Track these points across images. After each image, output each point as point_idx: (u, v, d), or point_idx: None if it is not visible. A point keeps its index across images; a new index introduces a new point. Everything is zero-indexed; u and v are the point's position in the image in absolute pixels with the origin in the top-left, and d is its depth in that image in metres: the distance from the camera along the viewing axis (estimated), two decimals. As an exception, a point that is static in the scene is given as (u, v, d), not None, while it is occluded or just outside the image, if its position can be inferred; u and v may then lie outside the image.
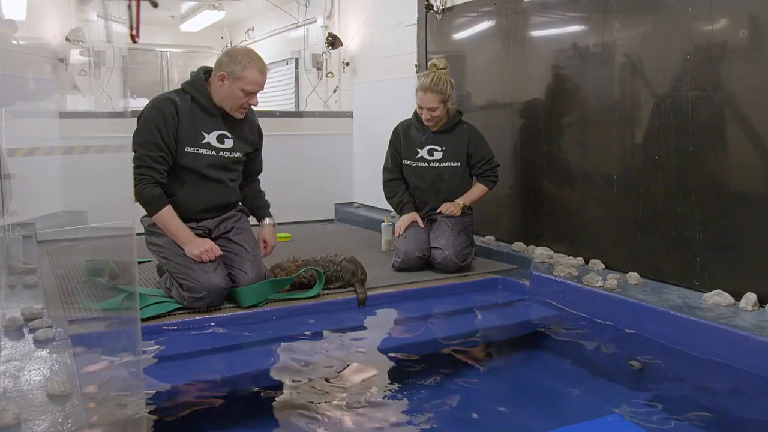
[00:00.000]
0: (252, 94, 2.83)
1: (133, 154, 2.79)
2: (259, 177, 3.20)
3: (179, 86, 2.91)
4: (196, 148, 2.83)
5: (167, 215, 2.76)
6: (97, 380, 2.06)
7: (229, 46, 8.46)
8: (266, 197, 3.19)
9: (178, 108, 2.79)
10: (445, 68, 3.46)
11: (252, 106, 2.91)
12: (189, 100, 2.83)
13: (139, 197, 2.76)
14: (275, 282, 2.91)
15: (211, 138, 2.86)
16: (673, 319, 2.52)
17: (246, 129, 3.00)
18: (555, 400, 2.12)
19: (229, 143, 2.91)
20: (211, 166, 2.87)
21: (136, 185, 2.76)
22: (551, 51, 3.53)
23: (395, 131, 3.67)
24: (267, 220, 3.12)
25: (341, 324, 2.79)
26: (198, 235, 2.85)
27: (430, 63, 3.54)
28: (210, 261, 2.75)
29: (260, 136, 3.10)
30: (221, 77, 2.80)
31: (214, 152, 2.87)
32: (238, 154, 2.96)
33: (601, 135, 3.28)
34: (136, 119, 2.85)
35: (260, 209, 3.13)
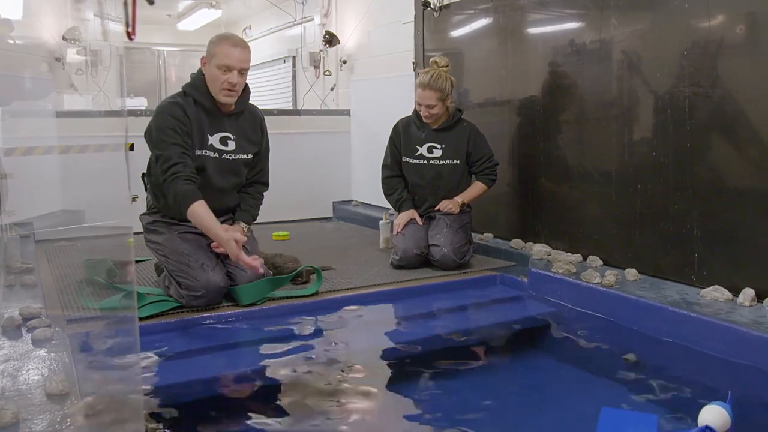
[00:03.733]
0: (229, 70, 2.73)
1: (156, 159, 2.73)
2: (263, 192, 3.10)
3: (180, 88, 2.87)
4: (203, 150, 2.81)
5: (199, 211, 2.66)
6: (95, 383, 2.06)
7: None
8: (262, 201, 3.10)
9: (187, 112, 2.76)
10: (446, 66, 3.46)
11: (236, 90, 2.78)
12: (192, 102, 2.80)
13: (173, 195, 2.68)
14: (274, 280, 2.91)
15: (214, 140, 2.84)
16: (671, 314, 2.53)
17: (249, 128, 2.96)
18: (553, 396, 2.12)
19: (231, 145, 2.87)
20: (215, 170, 2.84)
21: (170, 186, 2.67)
22: (548, 48, 3.53)
23: (395, 128, 3.67)
24: (241, 222, 2.96)
25: (340, 322, 2.79)
26: (197, 234, 2.84)
27: (431, 60, 3.53)
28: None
29: (264, 132, 3.04)
30: (203, 63, 2.81)
31: (216, 154, 2.84)
32: (242, 156, 2.92)
33: (598, 132, 3.29)
34: (144, 135, 2.78)
35: (241, 210, 3.00)
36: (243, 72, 2.80)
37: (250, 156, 2.97)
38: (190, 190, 2.67)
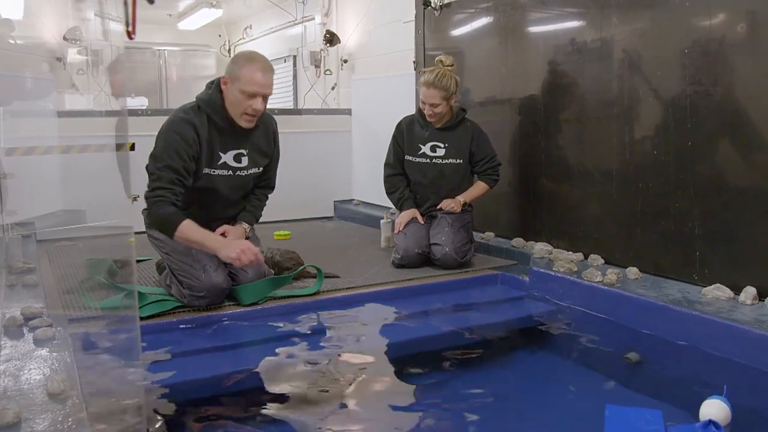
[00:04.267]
0: (254, 96, 2.67)
1: (149, 175, 2.66)
2: (268, 194, 3.10)
3: (195, 101, 2.78)
4: (212, 169, 2.77)
5: (187, 230, 2.58)
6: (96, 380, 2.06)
7: (227, 45, 8.48)
8: (266, 203, 3.09)
9: (199, 133, 2.69)
10: (451, 65, 3.45)
11: (257, 115, 2.73)
12: (206, 120, 2.73)
13: (154, 219, 2.64)
14: (275, 280, 2.91)
15: (227, 158, 2.79)
16: (673, 313, 2.52)
17: (263, 141, 2.92)
18: (555, 395, 2.12)
19: (245, 161, 2.84)
20: (226, 186, 2.82)
21: (150, 208, 2.63)
22: (549, 47, 3.53)
23: (398, 126, 3.66)
24: (243, 223, 2.94)
25: (341, 321, 2.79)
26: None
27: (436, 59, 3.53)
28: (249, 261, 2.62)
29: (276, 141, 3.00)
30: (224, 82, 2.71)
31: (230, 172, 2.81)
32: (254, 171, 2.91)
33: (599, 131, 3.28)
34: (155, 140, 2.72)
35: (245, 211, 2.98)
36: (267, 98, 2.73)
37: (261, 169, 2.95)
38: (171, 213, 2.59)
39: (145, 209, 2.88)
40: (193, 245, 2.64)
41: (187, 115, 2.72)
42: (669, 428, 1.77)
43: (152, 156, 2.70)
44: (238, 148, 2.82)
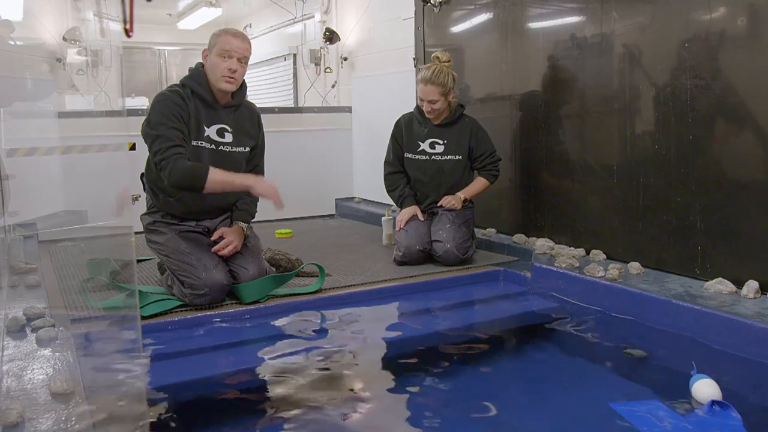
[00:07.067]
0: (230, 57, 2.77)
1: (153, 140, 2.67)
2: None
3: (178, 82, 2.89)
4: (199, 141, 2.81)
5: (216, 176, 2.64)
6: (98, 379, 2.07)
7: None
8: (259, 199, 3.06)
9: (185, 101, 2.78)
10: (448, 61, 3.45)
11: (236, 78, 2.80)
12: (190, 93, 2.82)
13: (180, 175, 2.61)
14: (276, 278, 2.91)
15: (210, 131, 2.84)
16: (675, 307, 2.52)
17: (247, 122, 2.97)
18: (557, 391, 2.12)
19: (228, 137, 2.88)
20: (212, 162, 2.82)
21: (164, 167, 2.62)
22: (549, 42, 3.52)
23: (397, 124, 3.66)
24: (239, 222, 2.95)
25: (343, 319, 2.79)
26: (197, 233, 2.85)
27: (433, 56, 3.53)
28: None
29: (260, 127, 3.05)
30: (204, 55, 2.86)
31: (213, 146, 2.84)
32: (239, 149, 2.93)
33: (600, 125, 3.28)
34: (141, 129, 2.75)
35: (239, 210, 2.99)
36: (243, 60, 2.82)
37: (247, 149, 2.97)
38: (195, 165, 2.66)
39: (143, 214, 2.89)
40: (228, 187, 2.74)
41: (171, 88, 2.85)
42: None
43: (150, 124, 2.71)
44: (221, 123, 2.87)
